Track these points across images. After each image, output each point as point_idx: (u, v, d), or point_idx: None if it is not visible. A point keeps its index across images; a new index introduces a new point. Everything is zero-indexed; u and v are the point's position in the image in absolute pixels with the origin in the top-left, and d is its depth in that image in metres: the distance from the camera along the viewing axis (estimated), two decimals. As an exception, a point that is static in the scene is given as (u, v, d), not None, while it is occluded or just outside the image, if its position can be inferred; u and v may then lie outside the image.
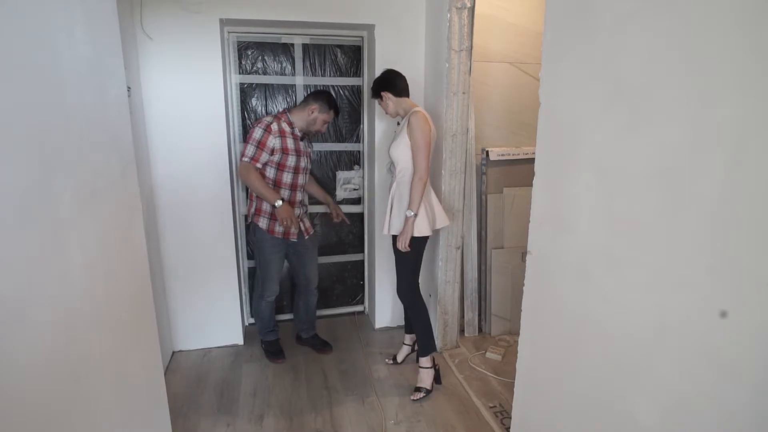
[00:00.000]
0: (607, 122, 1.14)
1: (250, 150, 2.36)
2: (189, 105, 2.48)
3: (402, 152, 2.22)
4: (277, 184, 2.44)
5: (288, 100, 2.87)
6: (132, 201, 1.59)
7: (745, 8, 0.81)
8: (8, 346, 0.87)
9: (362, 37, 2.84)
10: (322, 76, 2.87)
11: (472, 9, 2.39)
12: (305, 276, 2.72)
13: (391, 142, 2.33)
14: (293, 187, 2.47)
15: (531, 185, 1.49)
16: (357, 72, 2.93)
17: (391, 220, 2.32)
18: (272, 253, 2.54)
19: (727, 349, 0.88)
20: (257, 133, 2.35)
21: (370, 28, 2.68)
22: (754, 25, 0.80)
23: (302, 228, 2.57)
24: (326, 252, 3.16)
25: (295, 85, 2.86)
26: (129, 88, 2.11)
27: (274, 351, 2.72)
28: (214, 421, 2.17)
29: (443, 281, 2.69)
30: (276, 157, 2.39)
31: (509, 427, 1.75)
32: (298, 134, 2.45)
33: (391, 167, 2.37)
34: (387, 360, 2.68)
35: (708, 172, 0.88)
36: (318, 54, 2.84)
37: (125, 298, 1.47)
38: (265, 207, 2.45)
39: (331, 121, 2.51)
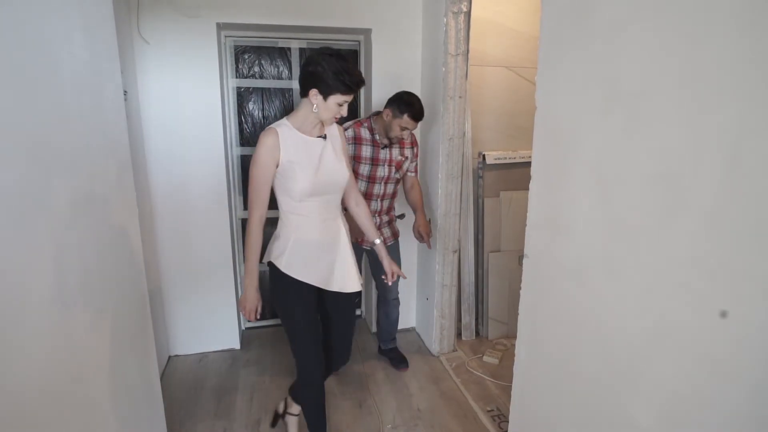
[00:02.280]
0: (603, 126, 1.15)
1: None
2: (186, 109, 2.48)
3: (347, 171, 1.73)
4: None
5: (285, 104, 2.88)
6: (129, 204, 1.58)
7: (742, 11, 0.82)
8: (5, 349, 0.86)
9: (359, 42, 2.85)
10: (319, 80, 2.87)
11: (469, 13, 2.41)
12: (380, 285, 2.55)
13: (327, 165, 1.64)
14: (367, 197, 2.36)
15: (528, 189, 1.49)
16: (354, 76, 2.94)
17: (349, 270, 1.75)
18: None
19: (724, 351, 0.88)
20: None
21: (366, 32, 2.69)
22: (751, 28, 0.80)
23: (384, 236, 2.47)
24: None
25: (291, 89, 2.86)
26: (126, 92, 2.11)
27: None
28: (211, 426, 2.16)
29: (440, 285, 2.69)
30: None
31: (506, 431, 1.74)
32: (380, 141, 2.31)
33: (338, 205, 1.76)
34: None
35: (705, 175, 0.89)
36: (315, 58, 2.85)
37: (121, 302, 1.47)
38: None
39: (412, 127, 2.26)
